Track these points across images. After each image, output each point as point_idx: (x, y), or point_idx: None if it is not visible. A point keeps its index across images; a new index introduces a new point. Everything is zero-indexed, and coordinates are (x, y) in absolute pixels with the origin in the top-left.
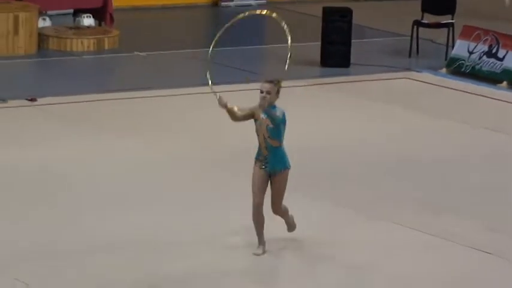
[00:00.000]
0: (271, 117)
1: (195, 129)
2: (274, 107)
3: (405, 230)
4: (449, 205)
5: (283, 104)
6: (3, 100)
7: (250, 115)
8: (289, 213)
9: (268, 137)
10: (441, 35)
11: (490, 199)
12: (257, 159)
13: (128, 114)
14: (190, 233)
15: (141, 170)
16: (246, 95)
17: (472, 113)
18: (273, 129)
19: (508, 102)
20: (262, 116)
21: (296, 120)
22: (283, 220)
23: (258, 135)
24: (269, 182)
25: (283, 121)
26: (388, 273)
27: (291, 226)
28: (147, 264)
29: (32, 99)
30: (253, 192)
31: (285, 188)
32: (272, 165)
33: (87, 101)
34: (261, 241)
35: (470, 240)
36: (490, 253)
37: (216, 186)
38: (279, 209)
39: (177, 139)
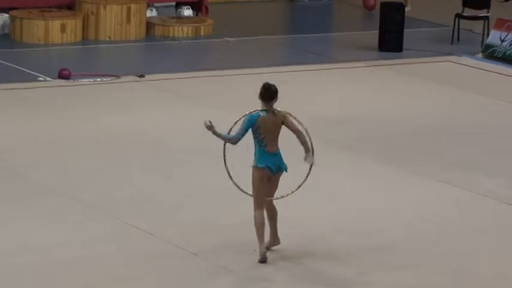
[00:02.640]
0: None
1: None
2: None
3: (448, 187)
4: (486, 166)
5: (347, 82)
6: (117, 76)
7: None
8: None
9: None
10: (478, 26)
11: None
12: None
13: (218, 89)
14: None
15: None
16: (315, 75)
17: (503, 90)
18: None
19: None
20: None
21: (357, 96)
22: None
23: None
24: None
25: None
26: (435, 222)
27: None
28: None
29: (141, 76)
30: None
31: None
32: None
33: (185, 78)
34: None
35: (503, 196)
36: None
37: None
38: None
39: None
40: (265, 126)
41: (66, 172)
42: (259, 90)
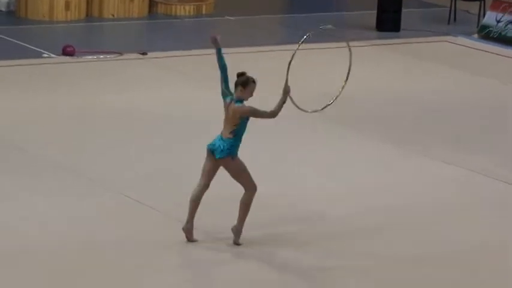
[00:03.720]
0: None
1: (276, 79)
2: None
3: (438, 164)
4: (482, 145)
5: (346, 62)
6: (120, 53)
7: None
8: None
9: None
10: (474, 6)
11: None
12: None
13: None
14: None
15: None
16: (315, 53)
17: (499, 70)
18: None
19: None
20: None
21: (357, 74)
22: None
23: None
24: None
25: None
26: (433, 198)
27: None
28: None
29: (143, 53)
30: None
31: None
32: None
33: (187, 56)
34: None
35: (497, 173)
36: (503, 181)
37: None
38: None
39: (259, 87)
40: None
41: (70, 148)
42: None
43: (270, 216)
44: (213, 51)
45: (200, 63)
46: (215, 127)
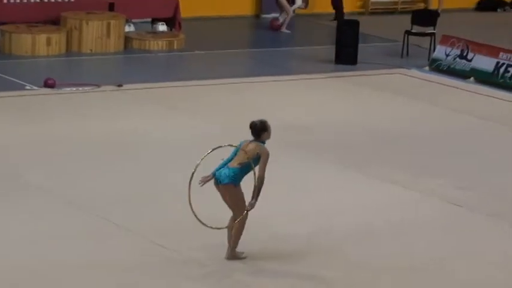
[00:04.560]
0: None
1: (242, 108)
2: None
3: (394, 187)
4: (434, 168)
5: (307, 92)
6: (98, 85)
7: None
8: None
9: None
10: (425, 41)
11: (463, 163)
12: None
13: (190, 97)
14: None
15: (197, 139)
16: (278, 85)
17: (448, 100)
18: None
19: (474, 92)
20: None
21: (316, 104)
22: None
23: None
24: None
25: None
26: (387, 219)
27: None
28: None
29: (119, 85)
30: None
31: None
32: None
33: (160, 87)
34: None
35: (444, 195)
36: (460, 206)
37: None
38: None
39: (226, 116)
40: (242, 147)
41: (51, 172)
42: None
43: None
44: (184, 83)
45: (172, 94)
46: (188, 153)
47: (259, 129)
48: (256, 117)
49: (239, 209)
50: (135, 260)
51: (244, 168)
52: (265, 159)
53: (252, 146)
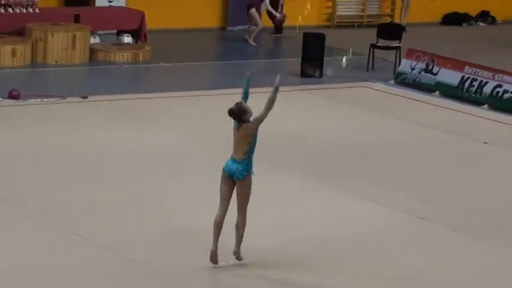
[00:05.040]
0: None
1: (206, 121)
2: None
3: (360, 201)
4: (398, 182)
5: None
6: (63, 97)
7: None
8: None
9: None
10: (391, 55)
11: (428, 176)
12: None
13: (155, 109)
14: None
15: (160, 151)
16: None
17: (413, 113)
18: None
19: (439, 106)
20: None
21: (281, 116)
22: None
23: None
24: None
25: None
26: (350, 232)
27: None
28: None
29: (84, 97)
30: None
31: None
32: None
33: (125, 99)
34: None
35: (408, 208)
36: (424, 219)
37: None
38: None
39: (191, 128)
40: (235, 138)
41: (15, 184)
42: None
43: (203, 248)
44: (149, 95)
45: (137, 106)
46: (153, 164)
47: (239, 113)
48: (220, 129)
49: (246, 202)
50: (101, 272)
51: (250, 152)
52: (261, 119)
53: (241, 130)
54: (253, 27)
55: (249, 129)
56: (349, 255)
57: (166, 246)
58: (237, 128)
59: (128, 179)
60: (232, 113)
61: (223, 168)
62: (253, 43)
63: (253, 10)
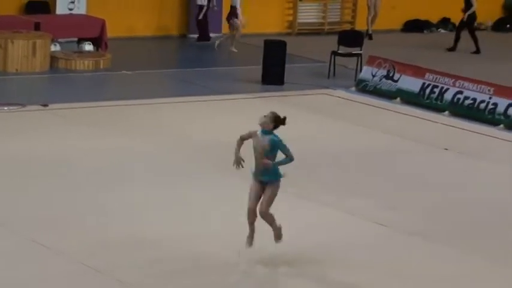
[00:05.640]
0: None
1: (168, 128)
2: (268, 132)
3: (320, 207)
4: (358, 188)
5: (233, 112)
6: (23, 105)
7: (248, 137)
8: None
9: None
10: (352, 62)
11: (388, 183)
12: (254, 173)
13: (116, 117)
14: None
15: (120, 159)
16: (204, 105)
17: (374, 120)
18: (268, 151)
19: (400, 113)
20: (260, 137)
21: (242, 123)
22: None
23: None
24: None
25: (274, 145)
26: (313, 238)
27: (278, 235)
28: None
29: (44, 105)
30: (250, 198)
31: (274, 196)
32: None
33: (86, 107)
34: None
35: (371, 215)
36: (386, 226)
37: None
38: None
39: (152, 136)
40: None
41: None
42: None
43: (155, 255)
44: (110, 103)
45: (98, 114)
46: (114, 173)
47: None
48: (183, 137)
49: (272, 202)
50: (62, 280)
51: (273, 157)
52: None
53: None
54: (231, 34)
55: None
56: (311, 262)
57: (124, 253)
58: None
59: (88, 186)
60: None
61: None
62: (234, 50)
63: (235, 19)
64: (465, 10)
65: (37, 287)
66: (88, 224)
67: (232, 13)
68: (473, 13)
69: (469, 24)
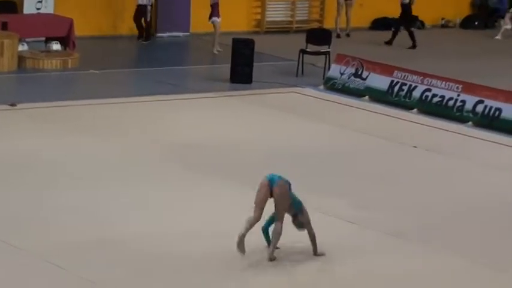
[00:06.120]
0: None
1: (137, 127)
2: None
3: None
4: (330, 188)
5: (202, 111)
6: None
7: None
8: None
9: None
10: (320, 60)
11: (358, 181)
12: None
13: (85, 116)
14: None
15: (88, 159)
16: (173, 104)
17: (343, 118)
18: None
19: (369, 111)
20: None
21: (211, 122)
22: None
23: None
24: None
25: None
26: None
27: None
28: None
29: (12, 105)
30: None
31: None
32: None
33: (54, 107)
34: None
35: (342, 214)
36: (357, 224)
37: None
38: None
39: (121, 135)
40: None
41: None
42: None
43: (121, 255)
44: (78, 102)
45: (66, 114)
46: (82, 172)
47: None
48: (151, 136)
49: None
50: (29, 280)
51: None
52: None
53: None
54: (215, 34)
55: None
56: (284, 260)
57: (92, 255)
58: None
59: (54, 186)
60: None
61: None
62: (217, 50)
63: (215, 18)
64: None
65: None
66: (53, 223)
67: (213, 11)
68: (408, 6)
69: (403, 18)
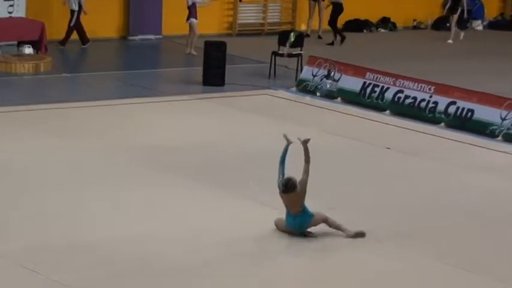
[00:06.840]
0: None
1: (109, 131)
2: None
3: (263, 208)
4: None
5: (175, 113)
6: None
7: None
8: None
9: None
10: (293, 62)
11: (331, 183)
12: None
13: (57, 120)
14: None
15: (61, 162)
16: (145, 107)
17: (315, 119)
18: None
19: (341, 112)
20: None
21: (184, 125)
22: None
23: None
24: None
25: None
26: (253, 239)
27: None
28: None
29: None
30: None
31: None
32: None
33: (26, 110)
34: None
35: None
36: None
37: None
38: None
39: (94, 138)
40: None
41: None
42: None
43: (105, 257)
44: (51, 106)
45: (38, 117)
46: (55, 176)
47: (293, 188)
48: (125, 139)
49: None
50: (1, 283)
51: (303, 204)
52: (307, 180)
53: (293, 194)
54: (191, 36)
55: (302, 193)
56: (249, 262)
57: (65, 258)
58: (286, 193)
59: (29, 190)
60: (288, 190)
61: (286, 225)
62: (194, 52)
63: (193, 19)
64: None
65: None
66: (26, 226)
67: (190, 13)
68: (339, 4)
69: (333, 15)
